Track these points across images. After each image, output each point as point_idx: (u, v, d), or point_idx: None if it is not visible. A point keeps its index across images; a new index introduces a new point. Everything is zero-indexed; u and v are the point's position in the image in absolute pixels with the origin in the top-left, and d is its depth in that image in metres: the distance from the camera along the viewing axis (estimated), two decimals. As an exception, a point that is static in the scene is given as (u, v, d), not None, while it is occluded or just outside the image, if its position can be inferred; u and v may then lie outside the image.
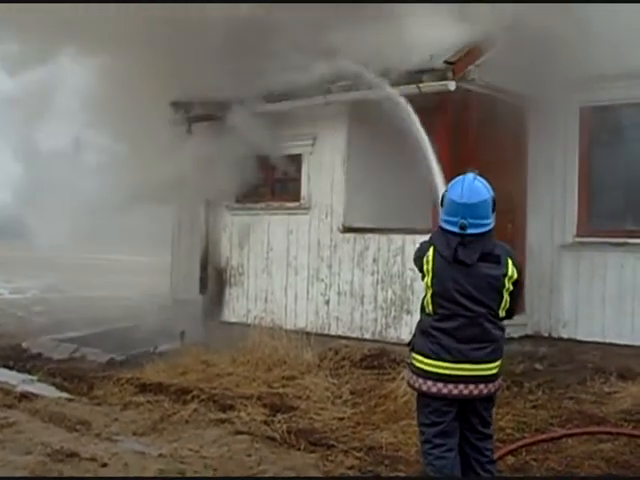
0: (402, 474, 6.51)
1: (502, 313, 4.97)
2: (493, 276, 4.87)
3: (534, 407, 8.03)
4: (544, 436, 7.08)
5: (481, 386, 4.91)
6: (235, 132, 10.79)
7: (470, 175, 4.98)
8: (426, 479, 5.02)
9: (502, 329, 5.00)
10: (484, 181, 4.97)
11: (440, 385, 4.88)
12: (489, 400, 5.03)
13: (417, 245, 5.25)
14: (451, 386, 4.88)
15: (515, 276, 4.91)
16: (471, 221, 4.84)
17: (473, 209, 4.85)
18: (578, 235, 10.45)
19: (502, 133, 10.15)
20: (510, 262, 4.91)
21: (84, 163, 12.29)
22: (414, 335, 5.14)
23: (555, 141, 10.54)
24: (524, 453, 6.74)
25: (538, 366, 9.24)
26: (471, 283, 4.86)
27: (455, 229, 4.86)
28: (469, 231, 4.85)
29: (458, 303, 4.88)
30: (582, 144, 10.45)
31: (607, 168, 10.37)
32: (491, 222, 4.95)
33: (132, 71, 10.98)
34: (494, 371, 4.95)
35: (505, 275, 4.87)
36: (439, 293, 4.93)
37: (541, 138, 10.65)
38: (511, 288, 4.92)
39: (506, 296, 4.93)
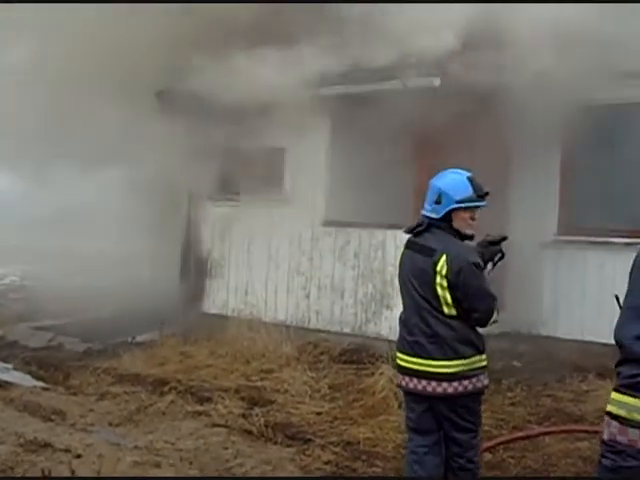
0: (379, 469, 6.50)
1: (448, 310, 4.80)
2: (423, 269, 4.84)
3: (512, 404, 8.04)
4: (521, 434, 7.07)
5: (433, 384, 4.81)
6: (219, 123, 10.72)
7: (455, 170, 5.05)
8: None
9: (453, 328, 4.80)
10: (457, 172, 5.00)
11: (400, 377, 4.98)
12: (453, 402, 4.84)
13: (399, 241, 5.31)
14: (407, 379, 4.92)
15: (445, 272, 4.75)
16: (426, 205, 4.96)
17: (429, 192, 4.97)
18: (559, 233, 10.45)
19: (486, 130, 10.12)
20: (444, 257, 4.77)
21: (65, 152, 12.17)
22: None
23: (537, 139, 10.53)
24: (501, 450, 6.73)
25: (516, 363, 9.24)
26: (412, 274, 4.91)
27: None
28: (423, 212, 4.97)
29: (406, 294, 4.99)
30: (564, 143, 10.45)
31: (589, 167, 10.38)
32: (430, 210, 4.94)
33: (116, 59, 10.88)
34: (444, 370, 4.78)
35: (434, 270, 4.78)
36: (400, 285, 5.07)
37: (524, 136, 10.64)
38: (445, 284, 4.76)
39: (441, 292, 4.78)
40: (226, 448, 6.91)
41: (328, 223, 10.71)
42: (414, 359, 4.86)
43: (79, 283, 11.75)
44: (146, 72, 10.88)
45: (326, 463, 6.64)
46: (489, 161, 10.21)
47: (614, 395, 2.58)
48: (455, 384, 4.78)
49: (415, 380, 4.86)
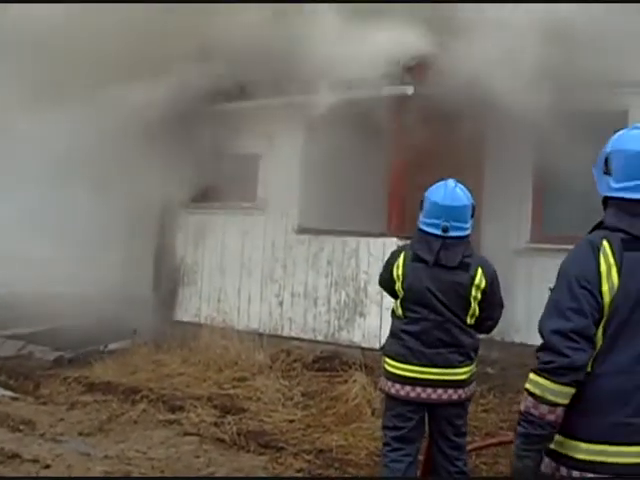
0: (351, 477, 6.48)
1: (470, 320, 4.97)
2: (459, 283, 4.91)
3: (485, 411, 8.04)
4: (494, 440, 7.06)
5: (450, 391, 4.93)
6: (192, 130, 10.68)
7: (451, 181, 5.07)
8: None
9: (472, 336, 5.01)
10: (464, 188, 5.06)
11: (408, 388, 4.92)
12: (461, 407, 5.02)
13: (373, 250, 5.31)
14: (419, 389, 4.91)
15: (483, 285, 4.92)
16: (453, 224, 4.91)
17: (455, 212, 4.93)
18: (531, 241, 10.49)
19: (459, 139, 10.15)
20: (480, 271, 4.93)
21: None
22: (387, 338, 5.21)
23: (510, 146, 10.57)
24: (474, 457, 6.72)
25: (490, 370, 9.25)
26: (439, 288, 4.90)
27: (437, 231, 4.92)
28: (451, 234, 4.92)
29: (426, 307, 4.93)
30: (537, 148, 10.48)
31: (561, 175, 10.42)
32: (470, 227, 5.03)
33: (85, 58, 10.76)
34: (463, 377, 4.96)
35: (472, 283, 4.90)
36: (408, 297, 4.98)
37: (497, 145, 10.67)
38: (479, 297, 4.93)
39: (474, 304, 4.94)
40: (198, 457, 6.86)
41: (301, 231, 10.68)
42: (432, 369, 4.91)
43: (50, 291, 11.61)
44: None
45: (298, 471, 6.62)
46: (462, 169, 10.26)
47: (532, 376, 2.99)
48: (467, 389, 4.99)
49: (429, 390, 4.91)
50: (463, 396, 4.97)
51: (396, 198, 9.77)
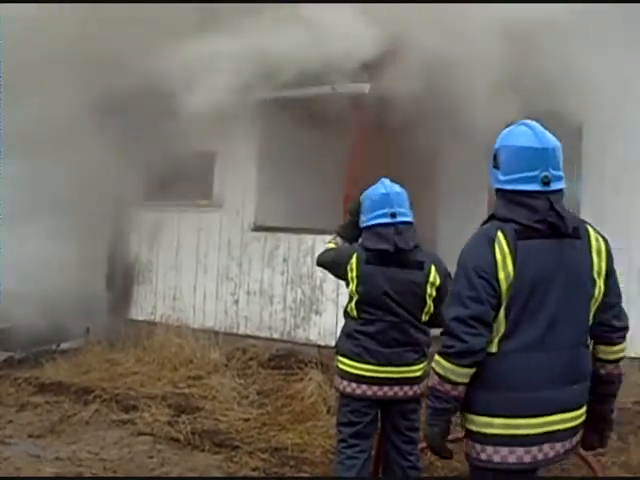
0: (306, 475, 6.45)
1: (425, 317, 5.02)
2: (415, 282, 4.94)
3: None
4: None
5: (406, 388, 4.98)
6: (147, 126, 10.56)
7: (386, 179, 5.18)
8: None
9: (426, 333, 5.06)
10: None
11: (364, 387, 4.94)
12: (416, 402, 5.07)
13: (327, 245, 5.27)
14: (375, 388, 4.94)
15: (438, 282, 4.97)
16: (399, 210, 5.00)
17: (399, 198, 5.04)
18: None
19: (416, 140, 10.14)
20: (434, 268, 4.98)
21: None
22: (339, 338, 5.19)
23: (467, 146, 10.61)
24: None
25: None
26: (396, 290, 4.93)
27: (387, 219, 4.96)
28: (400, 219, 4.98)
29: (381, 308, 4.94)
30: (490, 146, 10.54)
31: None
32: (411, 215, 5.11)
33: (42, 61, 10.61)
34: (418, 373, 5.00)
35: (427, 281, 4.94)
36: (364, 299, 4.97)
37: (453, 146, 10.70)
38: (434, 294, 4.97)
39: (429, 302, 4.98)
40: (151, 457, 6.79)
41: (257, 228, 10.64)
42: (389, 368, 4.94)
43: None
44: (72, 69, 10.63)
45: (254, 469, 6.59)
46: (418, 168, 10.30)
47: (437, 357, 3.28)
48: (422, 384, 5.02)
49: (385, 387, 4.94)
50: (418, 392, 5.02)
51: (352, 196, 9.73)
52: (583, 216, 10.03)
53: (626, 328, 3.51)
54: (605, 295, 3.42)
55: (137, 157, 10.70)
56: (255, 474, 6.48)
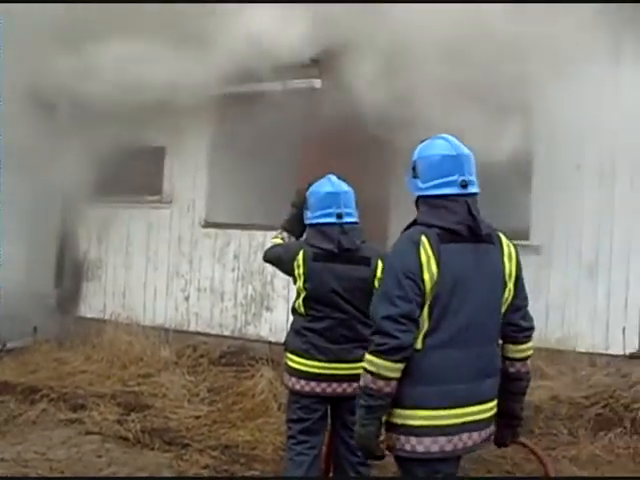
0: (257, 473, 6.43)
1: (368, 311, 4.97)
2: (362, 278, 4.91)
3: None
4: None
5: (354, 384, 4.84)
6: (96, 120, 10.42)
7: (332, 176, 5.13)
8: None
9: (369, 327, 4.96)
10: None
11: (313, 384, 4.91)
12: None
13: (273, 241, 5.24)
14: (324, 385, 4.91)
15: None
16: (346, 210, 4.97)
17: (346, 198, 5.01)
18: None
19: (366, 135, 10.16)
20: (380, 264, 4.87)
21: None
22: (288, 335, 5.15)
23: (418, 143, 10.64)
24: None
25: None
26: (344, 287, 4.91)
27: (332, 219, 4.94)
28: (346, 219, 4.96)
29: (329, 305, 4.92)
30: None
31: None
32: (357, 215, 5.09)
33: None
34: (361, 370, 4.94)
35: (375, 277, 4.88)
36: (311, 296, 4.95)
37: (407, 139, 10.70)
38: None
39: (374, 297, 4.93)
40: (100, 456, 6.70)
41: (208, 225, 10.58)
42: (337, 365, 4.92)
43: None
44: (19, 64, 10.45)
45: (204, 467, 6.54)
46: (370, 164, 10.31)
47: (368, 356, 3.45)
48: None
49: (335, 384, 4.92)
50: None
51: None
52: (533, 214, 10.21)
53: (532, 328, 3.82)
54: (514, 297, 3.70)
55: (85, 153, 10.55)
56: (205, 472, 6.43)
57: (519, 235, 9.59)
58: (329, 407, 5.06)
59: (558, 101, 8.45)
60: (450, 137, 3.71)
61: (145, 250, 11.18)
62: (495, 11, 8.02)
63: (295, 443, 4.99)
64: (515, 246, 3.73)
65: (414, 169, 3.68)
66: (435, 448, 3.46)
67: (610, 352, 9.02)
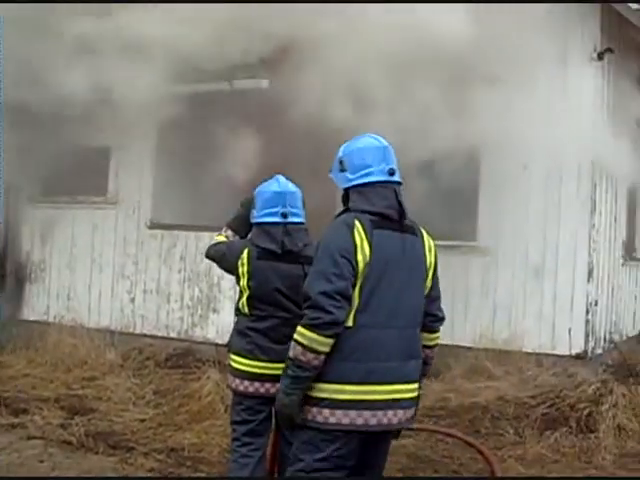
0: (203, 475, 6.35)
1: None
2: (298, 276, 4.84)
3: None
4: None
5: None
6: (39, 120, 10.24)
7: (280, 176, 5.09)
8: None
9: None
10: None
11: (257, 384, 4.86)
12: None
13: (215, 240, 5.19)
14: (268, 385, 4.84)
15: None
16: (291, 210, 4.93)
17: (292, 198, 4.97)
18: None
19: (312, 135, 10.13)
20: None
21: None
22: (231, 336, 5.10)
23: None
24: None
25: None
26: (287, 286, 4.87)
27: (277, 218, 4.90)
28: (291, 219, 4.93)
29: (272, 304, 4.88)
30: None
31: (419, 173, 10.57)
32: (304, 215, 5.05)
33: None
34: None
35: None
36: (255, 295, 4.91)
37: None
38: None
39: None
40: (42, 461, 6.54)
41: (154, 226, 10.48)
42: (280, 365, 4.73)
43: None
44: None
45: (149, 471, 6.43)
46: (318, 165, 10.26)
47: (301, 329, 3.63)
48: None
49: (278, 384, 4.80)
50: None
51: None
52: (480, 216, 10.26)
53: (444, 319, 4.10)
54: (432, 288, 3.99)
55: (29, 153, 10.37)
56: (150, 475, 6.33)
57: (467, 236, 9.71)
58: (273, 408, 5.01)
59: (505, 102, 8.53)
60: (373, 134, 4.01)
61: (90, 251, 11.03)
62: (443, 11, 8.04)
63: (240, 445, 4.95)
64: (434, 240, 4.02)
65: (341, 164, 3.93)
66: (360, 421, 3.66)
67: (556, 352, 9.14)
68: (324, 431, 3.69)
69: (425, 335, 4.00)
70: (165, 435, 7.24)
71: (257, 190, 5.07)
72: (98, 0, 9.61)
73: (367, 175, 3.85)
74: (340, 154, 3.98)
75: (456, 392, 8.31)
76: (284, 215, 4.90)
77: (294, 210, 4.95)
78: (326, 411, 3.67)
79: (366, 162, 3.87)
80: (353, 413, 3.65)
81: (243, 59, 9.30)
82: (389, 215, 3.80)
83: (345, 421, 3.66)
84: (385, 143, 3.96)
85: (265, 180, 5.15)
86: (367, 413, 3.67)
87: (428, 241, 3.98)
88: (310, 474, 3.72)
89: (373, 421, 3.68)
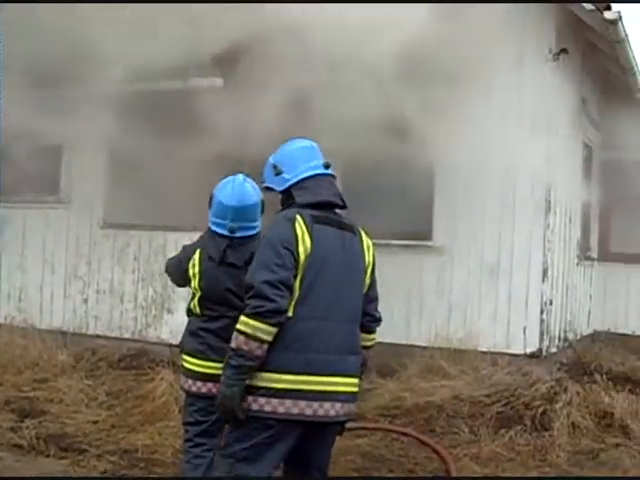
0: (157, 476, 6.28)
1: None
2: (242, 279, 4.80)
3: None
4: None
5: None
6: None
7: (240, 176, 4.93)
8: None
9: None
10: (254, 183, 4.91)
11: (210, 385, 4.79)
12: None
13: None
14: (211, 385, 4.77)
15: None
16: (240, 224, 4.83)
17: (242, 212, 4.84)
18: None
19: (272, 130, 10.07)
20: None
21: None
22: (183, 337, 5.06)
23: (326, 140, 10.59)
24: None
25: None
26: (236, 284, 4.80)
27: (224, 231, 4.84)
28: (238, 234, 4.85)
29: (224, 304, 4.84)
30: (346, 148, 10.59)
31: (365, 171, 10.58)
32: (259, 225, 4.95)
33: None
34: None
35: None
36: (207, 296, 4.87)
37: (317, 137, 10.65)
38: None
39: None
40: (-8, 464, 6.42)
41: (107, 225, 10.35)
42: None
43: None
44: None
45: (102, 473, 6.35)
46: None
47: (244, 318, 3.69)
48: None
49: None
50: None
51: (206, 192, 9.58)
52: (435, 215, 10.28)
53: (381, 320, 4.18)
54: (369, 288, 4.08)
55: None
56: (101, 476, 6.24)
57: (422, 236, 9.74)
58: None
59: (462, 101, 8.56)
60: (299, 138, 4.22)
61: (42, 251, 10.87)
62: (401, 10, 8.05)
63: (192, 446, 4.91)
64: (371, 239, 4.13)
65: (275, 168, 4.05)
66: (295, 410, 3.72)
67: (511, 351, 9.20)
68: (258, 419, 3.73)
69: (364, 336, 4.08)
70: (118, 437, 7.14)
71: (215, 189, 4.97)
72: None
73: (306, 170, 4.00)
74: (271, 161, 4.11)
75: (411, 391, 8.32)
76: (231, 230, 4.83)
77: (244, 224, 4.85)
78: (262, 399, 3.72)
79: (301, 160, 4.04)
80: (289, 402, 3.71)
81: (197, 58, 9.24)
82: (335, 202, 3.99)
83: (280, 410, 3.70)
84: (313, 144, 4.16)
85: (224, 177, 5.04)
86: (303, 403, 3.73)
87: (366, 240, 4.09)
88: (238, 462, 3.77)
89: (309, 411, 3.73)
